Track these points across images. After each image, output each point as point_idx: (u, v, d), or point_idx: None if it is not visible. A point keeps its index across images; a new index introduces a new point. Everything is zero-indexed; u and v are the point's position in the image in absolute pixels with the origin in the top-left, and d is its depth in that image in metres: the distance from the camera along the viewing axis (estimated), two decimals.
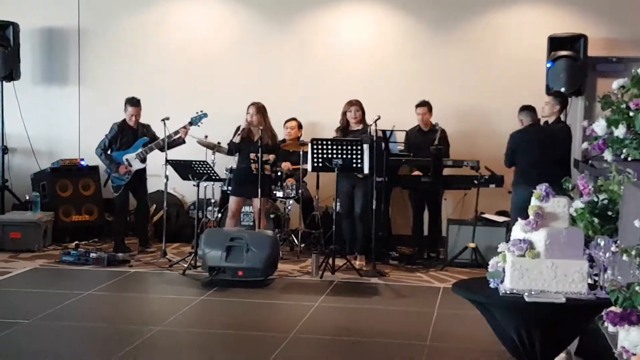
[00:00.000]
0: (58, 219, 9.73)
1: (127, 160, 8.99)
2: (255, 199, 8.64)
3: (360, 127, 8.61)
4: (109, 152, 9.07)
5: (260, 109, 8.58)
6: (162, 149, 8.83)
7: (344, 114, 8.67)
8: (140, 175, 9.15)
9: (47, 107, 10.65)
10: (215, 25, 10.42)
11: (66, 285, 7.57)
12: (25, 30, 10.23)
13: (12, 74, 10.05)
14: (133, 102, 9.03)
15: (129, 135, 9.06)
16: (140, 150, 8.97)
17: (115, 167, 9.00)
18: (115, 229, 9.32)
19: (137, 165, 9.01)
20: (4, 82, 10.12)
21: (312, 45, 10.20)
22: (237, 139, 8.57)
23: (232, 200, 8.76)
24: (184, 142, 8.93)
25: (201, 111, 8.85)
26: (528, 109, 8.23)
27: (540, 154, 7.97)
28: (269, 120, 8.62)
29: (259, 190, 8.34)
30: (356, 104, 8.65)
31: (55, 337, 5.94)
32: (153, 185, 9.71)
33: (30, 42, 10.48)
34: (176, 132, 8.81)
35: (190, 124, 8.85)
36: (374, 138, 8.19)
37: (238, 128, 8.62)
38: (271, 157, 8.69)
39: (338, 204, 8.57)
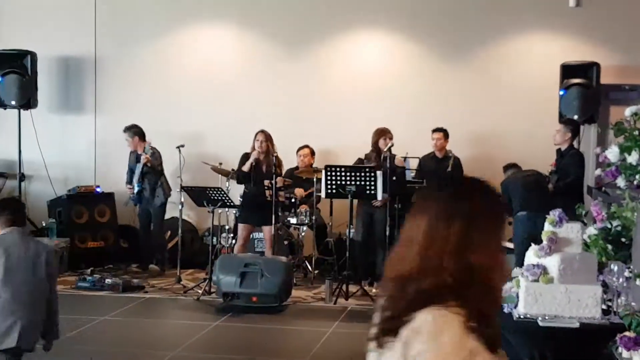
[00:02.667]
0: (74, 245, 9.78)
1: (135, 182, 9.45)
2: (265, 227, 8.70)
3: (387, 155, 8.60)
4: None
5: (268, 137, 8.67)
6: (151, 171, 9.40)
7: (377, 142, 8.65)
8: (149, 200, 9.46)
9: (64, 135, 10.76)
10: (230, 52, 10.52)
11: (82, 310, 7.60)
12: (43, 59, 10.35)
13: (30, 102, 10.15)
14: (124, 129, 9.58)
15: (132, 160, 9.60)
16: (137, 173, 9.40)
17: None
18: (141, 244, 9.70)
19: (135, 187, 9.44)
20: (21, 110, 10.21)
21: (326, 72, 10.28)
22: (246, 168, 8.63)
23: (241, 228, 8.82)
24: (151, 167, 9.28)
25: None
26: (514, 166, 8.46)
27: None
28: (274, 148, 8.70)
29: (273, 217, 8.41)
30: (389, 132, 8.66)
31: None
32: (168, 211, 9.79)
33: (48, 70, 10.60)
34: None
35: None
36: (389, 165, 8.22)
37: (244, 156, 8.68)
38: (288, 181, 8.77)
39: (352, 230, 8.59)
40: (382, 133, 8.67)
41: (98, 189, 10.16)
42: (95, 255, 9.89)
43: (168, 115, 10.30)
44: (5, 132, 10.67)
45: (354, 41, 10.25)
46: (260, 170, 8.63)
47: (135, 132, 9.48)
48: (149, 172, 9.36)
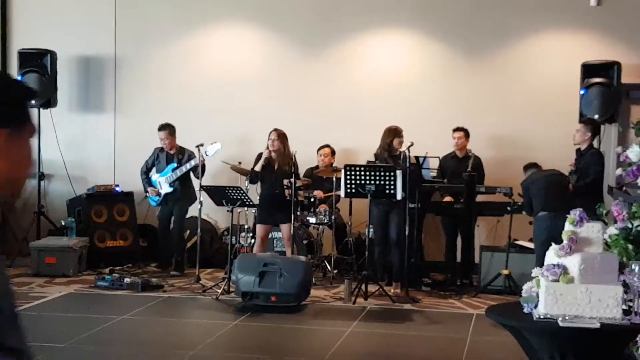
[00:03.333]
0: (93, 244, 9.82)
1: (160, 183, 9.34)
2: (283, 225, 8.71)
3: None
4: (151, 174, 9.54)
5: (281, 135, 8.67)
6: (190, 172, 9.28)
7: (392, 141, 8.59)
8: (176, 200, 9.37)
9: (83, 134, 10.81)
10: (249, 52, 10.53)
11: (101, 310, 7.63)
12: (63, 58, 10.42)
13: (50, 102, 10.22)
14: (159, 127, 9.42)
15: (162, 159, 9.43)
16: (168, 174, 9.18)
17: (147, 188, 9.41)
18: (160, 247, 9.70)
19: (165, 188, 9.34)
20: (41, 110, 10.28)
21: (345, 71, 10.27)
22: (258, 167, 8.64)
23: (259, 228, 8.83)
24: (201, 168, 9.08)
25: (214, 142, 9.02)
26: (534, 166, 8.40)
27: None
28: (289, 147, 8.69)
29: (291, 215, 8.42)
30: (402, 131, 8.62)
31: None
32: (188, 211, 9.83)
33: (68, 70, 10.66)
34: (190, 164, 9.16)
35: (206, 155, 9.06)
36: (408, 164, 8.19)
37: (259, 155, 8.69)
38: (307, 180, 8.78)
39: (371, 230, 8.58)
40: (396, 132, 8.62)
41: (117, 188, 10.19)
42: (114, 254, 9.94)
43: (187, 115, 10.32)
44: None
45: (373, 41, 10.24)
46: (272, 169, 8.64)
47: (173, 130, 9.43)
48: (187, 175, 9.29)
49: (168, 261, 9.45)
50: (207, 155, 8.98)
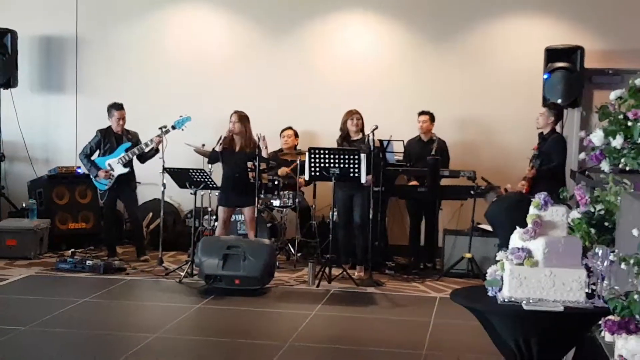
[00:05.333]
0: (54, 226, 9.71)
1: (109, 165, 9.01)
2: (245, 208, 8.67)
3: (360, 136, 8.61)
4: (93, 158, 9.10)
5: (242, 118, 8.62)
6: (141, 156, 8.98)
7: (345, 122, 8.66)
8: (128, 182, 9.11)
9: (45, 115, 10.66)
10: (213, 34, 10.45)
11: (62, 292, 7.56)
12: (24, 38, 10.25)
13: (10, 82, 10.08)
14: (118, 106, 9.07)
15: (112, 140, 9.06)
16: (122, 154, 8.97)
17: (96, 171, 9.02)
18: (104, 235, 9.41)
19: (119, 169, 8.99)
20: (1, 90, 10.14)
21: (310, 55, 10.23)
22: (218, 148, 8.59)
23: (220, 210, 8.78)
24: (156, 151, 8.86)
25: (184, 114, 8.86)
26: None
27: None
28: (250, 129, 8.64)
29: (255, 198, 8.38)
30: (357, 113, 8.65)
31: (50, 344, 5.93)
32: (150, 193, 9.74)
33: (29, 49, 10.50)
34: (151, 141, 8.85)
35: (173, 127, 8.87)
36: (372, 147, 8.19)
37: (221, 137, 8.63)
38: (272, 163, 8.76)
39: (335, 213, 8.57)
40: (350, 113, 8.63)
41: (79, 170, 10.06)
42: (76, 236, 9.84)
43: (150, 96, 10.24)
44: None
45: (337, 23, 10.21)
46: (234, 151, 8.59)
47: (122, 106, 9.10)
48: (143, 157, 9.02)
49: (114, 250, 9.21)
50: (176, 127, 8.84)
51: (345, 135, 8.67)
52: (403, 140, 9.17)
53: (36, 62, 10.66)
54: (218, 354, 5.87)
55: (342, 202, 8.61)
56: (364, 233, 8.49)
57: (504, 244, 7.21)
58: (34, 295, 7.53)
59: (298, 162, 9.02)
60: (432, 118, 9.21)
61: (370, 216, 8.24)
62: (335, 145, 8.62)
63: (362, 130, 8.62)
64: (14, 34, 10.08)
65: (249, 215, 8.65)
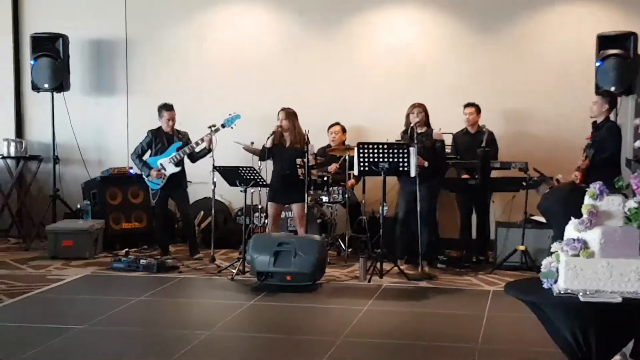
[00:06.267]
0: (108, 226, 9.85)
1: (161, 164, 9.05)
2: (294, 205, 8.68)
3: (424, 129, 8.44)
4: (145, 158, 9.15)
5: (290, 114, 8.62)
6: (191, 156, 9.00)
7: (407, 116, 8.46)
8: (179, 181, 9.15)
9: (97, 117, 10.82)
10: (259, 31, 10.48)
11: (118, 291, 7.66)
12: (75, 42, 10.43)
13: (62, 85, 10.26)
14: (168, 107, 9.11)
15: (163, 140, 9.11)
16: (173, 154, 9.01)
17: (148, 171, 9.06)
18: (156, 235, 9.49)
19: (171, 169, 9.02)
20: (54, 93, 10.30)
21: (356, 49, 10.20)
22: (268, 143, 8.61)
23: (270, 207, 8.80)
24: (209, 150, 8.87)
25: (233, 112, 8.89)
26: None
27: None
28: (299, 125, 8.65)
29: (304, 195, 8.41)
30: (418, 106, 8.43)
31: (107, 342, 6.00)
32: (200, 192, 9.83)
33: (80, 53, 10.67)
34: (201, 140, 8.87)
35: (223, 125, 8.88)
36: (415, 141, 8.13)
37: (272, 133, 8.65)
38: (320, 159, 8.75)
39: (385, 207, 8.47)
40: (412, 107, 8.50)
41: (131, 171, 10.18)
42: (130, 236, 9.96)
43: (199, 96, 10.32)
44: (39, 116, 10.77)
45: (384, 17, 10.17)
46: (283, 147, 8.60)
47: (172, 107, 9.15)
48: (194, 156, 9.05)
49: (167, 249, 9.28)
50: (226, 125, 8.87)
51: (407, 129, 8.54)
52: (452, 133, 9.10)
53: (87, 66, 10.81)
54: (272, 350, 5.88)
55: (405, 196, 8.49)
56: (428, 227, 8.38)
57: (558, 236, 7.08)
58: (90, 295, 7.64)
59: (347, 157, 9.00)
60: (478, 110, 9.11)
61: (419, 209, 8.15)
62: (382, 139, 8.56)
63: (426, 123, 8.46)
64: (65, 39, 10.25)
65: (298, 212, 8.67)
